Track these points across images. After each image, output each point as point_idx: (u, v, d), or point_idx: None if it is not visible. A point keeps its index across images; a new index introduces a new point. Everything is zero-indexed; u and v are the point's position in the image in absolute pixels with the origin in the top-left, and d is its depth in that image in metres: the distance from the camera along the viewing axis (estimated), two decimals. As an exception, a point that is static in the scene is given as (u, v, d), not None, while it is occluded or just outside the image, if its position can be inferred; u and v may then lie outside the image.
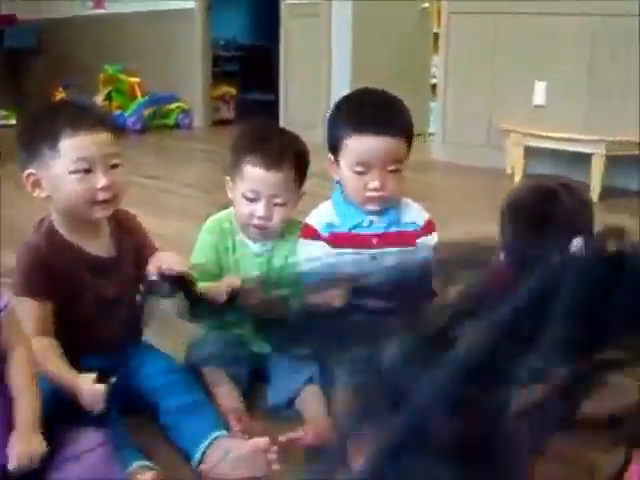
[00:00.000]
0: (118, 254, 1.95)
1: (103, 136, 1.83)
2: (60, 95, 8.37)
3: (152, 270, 1.84)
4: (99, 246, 1.92)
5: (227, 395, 1.91)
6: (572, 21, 5.43)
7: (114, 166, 1.85)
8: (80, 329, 1.84)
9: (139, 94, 8.06)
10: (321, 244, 2.09)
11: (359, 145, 2.04)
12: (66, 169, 1.79)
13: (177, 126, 8.21)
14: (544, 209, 1.82)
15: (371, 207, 2.09)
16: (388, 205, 2.11)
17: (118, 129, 1.97)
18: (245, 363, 2.03)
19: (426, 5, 7.73)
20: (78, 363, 1.76)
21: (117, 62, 8.35)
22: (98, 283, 1.88)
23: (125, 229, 1.99)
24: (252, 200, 2.07)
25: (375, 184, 2.04)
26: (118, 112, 7.94)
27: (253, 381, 2.03)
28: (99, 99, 8.14)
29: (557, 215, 1.79)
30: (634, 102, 5.13)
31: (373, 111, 2.08)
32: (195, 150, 7.02)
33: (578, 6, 5.34)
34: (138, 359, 1.92)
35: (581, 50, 5.42)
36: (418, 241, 2.13)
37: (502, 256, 1.92)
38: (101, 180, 1.80)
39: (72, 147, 1.79)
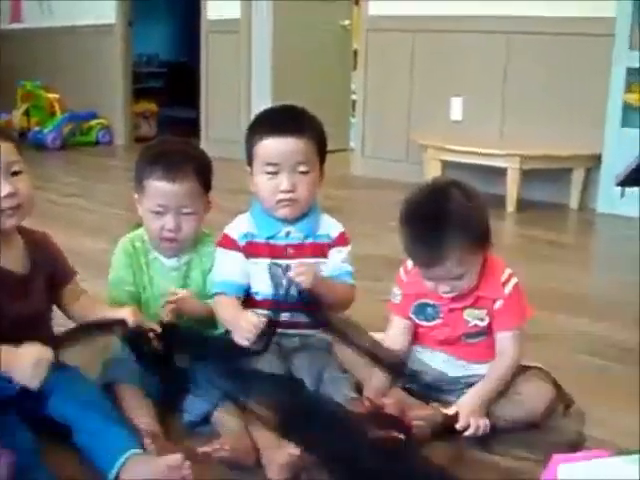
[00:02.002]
0: (31, 272, 1.92)
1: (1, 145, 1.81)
2: (-25, 111, 8.23)
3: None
4: (11, 261, 1.89)
5: (142, 413, 1.90)
6: (487, 38, 5.57)
7: (16, 173, 1.83)
8: None
9: (58, 110, 7.97)
10: (237, 254, 2.13)
11: (267, 147, 2.10)
12: None
13: (97, 143, 8.13)
14: (434, 203, 1.93)
15: (284, 212, 2.12)
16: (301, 213, 2.15)
17: (17, 140, 1.93)
18: (160, 380, 2.03)
19: (347, 22, 7.82)
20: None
21: (36, 78, 8.24)
22: (9, 299, 1.86)
23: (41, 249, 1.97)
24: (159, 214, 2.09)
25: (285, 185, 2.08)
26: (37, 128, 7.84)
27: (168, 398, 2.03)
28: (17, 115, 8.02)
29: (446, 208, 1.89)
30: (548, 117, 5.28)
31: (279, 117, 2.18)
32: (115, 167, 6.96)
33: (493, 24, 5.48)
34: (51, 377, 1.90)
35: (496, 66, 5.56)
36: (330, 252, 2.17)
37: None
38: (3, 188, 1.79)
39: None
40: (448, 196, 1.92)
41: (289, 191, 2.09)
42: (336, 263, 2.17)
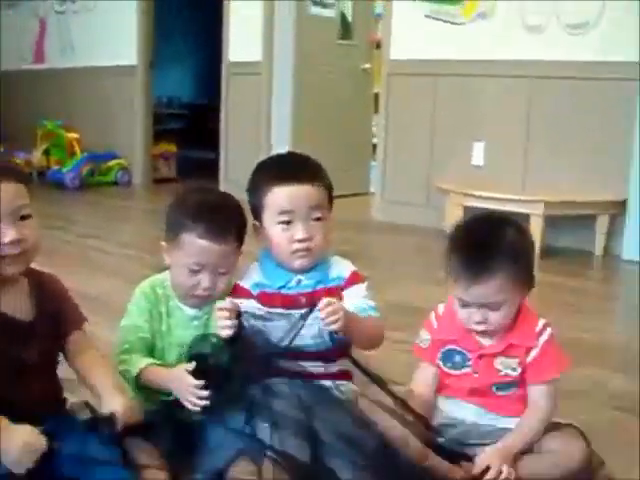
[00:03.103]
0: (36, 318, 1.82)
1: (8, 187, 1.69)
2: (-4, 149, 8.26)
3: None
4: (15, 307, 1.79)
5: (152, 466, 1.81)
6: (509, 83, 5.53)
7: (24, 217, 1.73)
8: None
9: (78, 150, 7.98)
10: (252, 302, 2.04)
11: (280, 195, 2.02)
12: None
13: (116, 183, 8.12)
14: (489, 224, 1.97)
15: (299, 263, 2.04)
16: (316, 262, 2.06)
17: (27, 179, 1.81)
18: (171, 432, 1.94)
19: (367, 66, 7.81)
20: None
21: (56, 117, 8.28)
22: (11, 346, 1.75)
23: (47, 293, 1.86)
24: (195, 271, 2.00)
25: (300, 235, 2.00)
26: (56, 168, 7.86)
27: (180, 451, 1.94)
28: (37, 154, 8.04)
29: (501, 229, 1.92)
30: (571, 162, 5.21)
31: (289, 165, 2.12)
32: (133, 208, 6.93)
33: (515, 68, 5.44)
34: (59, 429, 1.82)
35: (518, 111, 5.51)
36: (343, 293, 2.07)
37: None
38: (8, 234, 1.68)
39: None
40: (502, 221, 1.97)
41: (305, 239, 2.01)
42: (356, 300, 2.06)
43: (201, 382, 1.81)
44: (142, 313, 2.05)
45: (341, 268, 2.11)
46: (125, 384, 1.98)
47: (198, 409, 1.81)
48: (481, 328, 1.91)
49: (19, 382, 1.77)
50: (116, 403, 1.73)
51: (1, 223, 1.68)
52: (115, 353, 2.03)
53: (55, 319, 1.86)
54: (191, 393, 1.81)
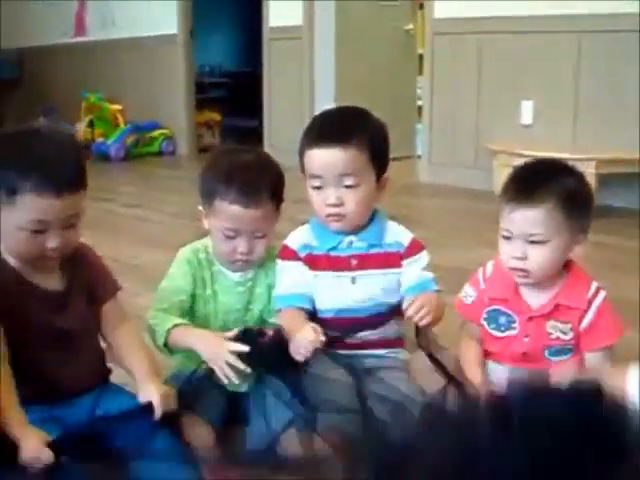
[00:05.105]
0: (67, 288, 1.83)
1: (67, 201, 1.68)
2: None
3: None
4: (46, 279, 1.81)
5: (201, 439, 1.78)
6: (558, 39, 5.37)
7: (71, 226, 1.73)
8: (33, 370, 1.72)
9: (121, 122, 7.98)
10: (299, 264, 2.00)
11: (311, 159, 1.95)
12: (18, 223, 1.66)
13: (161, 153, 8.12)
14: (547, 165, 1.93)
15: (334, 227, 1.97)
16: (355, 227, 1.99)
17: (84, 184, 1.75)
18: (221, 403, 1.90)
19: (410, 27, 7.68)
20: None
21: (99, 90, 8.28)
22: (45, 316, 1.77)
23: (78, 263, 1.86)
24: (232, 237, 1.95)
25: (331, 200, 1.93)
26: (101, 140, 7.87)
27: (229, 423, 1.90)
28: (81, 127, 8.06)
29: (557, 170, 1.89)
30: (623, 118, 5.06)
31: (328, 124, 2.02)
32: (178, 178, 6.90)
33: (563, 24, 5.28)
34: (104, 401, 1.80)
35: (567, 68, 5.35)
36: (404, 262, 2.01)
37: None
38: (53, 241, 1.70)
39: (31, 207, 1.65)
40: (566, 165, 1.93)
41: (335, 205, 1.93)
42: (416, 272, 2.00)
43: (242, 348, 1.76)
44: (184, 276, 2.01)
45: (399, 234, 2.04)
46: (151, 342, 1.95)
47: (227, 380, 1.77)
48: (519, 265, 1.81)
49: (61, 352, 1.76)
50: (153, 392, 1.73)
51: (48, 232, 1.69)
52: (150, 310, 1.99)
53: (87, 287, 1.87)
54: (225, 361, 1.76)
